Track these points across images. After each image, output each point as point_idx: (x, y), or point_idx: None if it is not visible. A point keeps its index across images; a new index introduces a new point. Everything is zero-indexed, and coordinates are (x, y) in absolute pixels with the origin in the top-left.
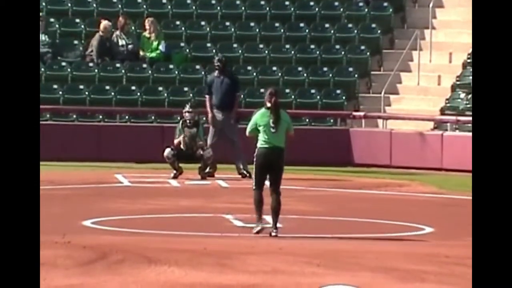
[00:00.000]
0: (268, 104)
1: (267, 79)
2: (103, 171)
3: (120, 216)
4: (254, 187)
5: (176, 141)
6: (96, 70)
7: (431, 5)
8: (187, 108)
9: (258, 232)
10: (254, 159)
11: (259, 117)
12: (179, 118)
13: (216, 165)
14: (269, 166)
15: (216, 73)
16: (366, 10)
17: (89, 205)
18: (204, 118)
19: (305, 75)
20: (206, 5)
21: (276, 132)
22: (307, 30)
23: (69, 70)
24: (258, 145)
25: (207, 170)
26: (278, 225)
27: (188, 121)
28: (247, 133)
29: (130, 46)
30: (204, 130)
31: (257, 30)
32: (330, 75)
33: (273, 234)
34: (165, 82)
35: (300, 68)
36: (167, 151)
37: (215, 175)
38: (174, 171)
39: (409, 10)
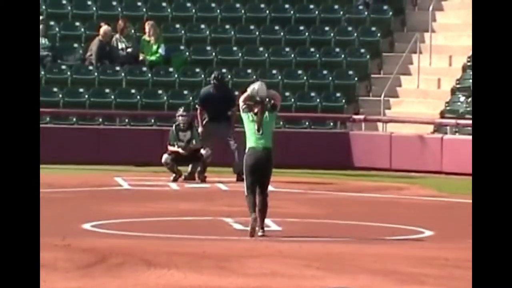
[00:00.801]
0: (255, 110)
1: (267, 82)
2: (103, 174)
3: (119, 219)
4: (246, 193)
5: (172, 149)
6: (96, 74)
7: (431, 8)
8: (181, 111)
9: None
10: (244, 162)
11: (249, 119)
12: (173, 122)
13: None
14: (259, 167)
15: (211, 89)
16: (366, 13)
17: (88, 208)
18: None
19: (305, 78)
20: (205, 8)
21: (262, 135)
22: (307, 33)
23: (69, 73)
24: (247, 145)
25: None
26: (277, 227)
27: (181, 124)
28: (240, 101)
29: (129, 50)
30: (198, 133)
31: (257, 33)
32: (330, 78)
33: (259, 234)
34: (165, 85)
35: (300, 71)
36: (165, 157)
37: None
38: (174, 174)
39: (409, 13)
